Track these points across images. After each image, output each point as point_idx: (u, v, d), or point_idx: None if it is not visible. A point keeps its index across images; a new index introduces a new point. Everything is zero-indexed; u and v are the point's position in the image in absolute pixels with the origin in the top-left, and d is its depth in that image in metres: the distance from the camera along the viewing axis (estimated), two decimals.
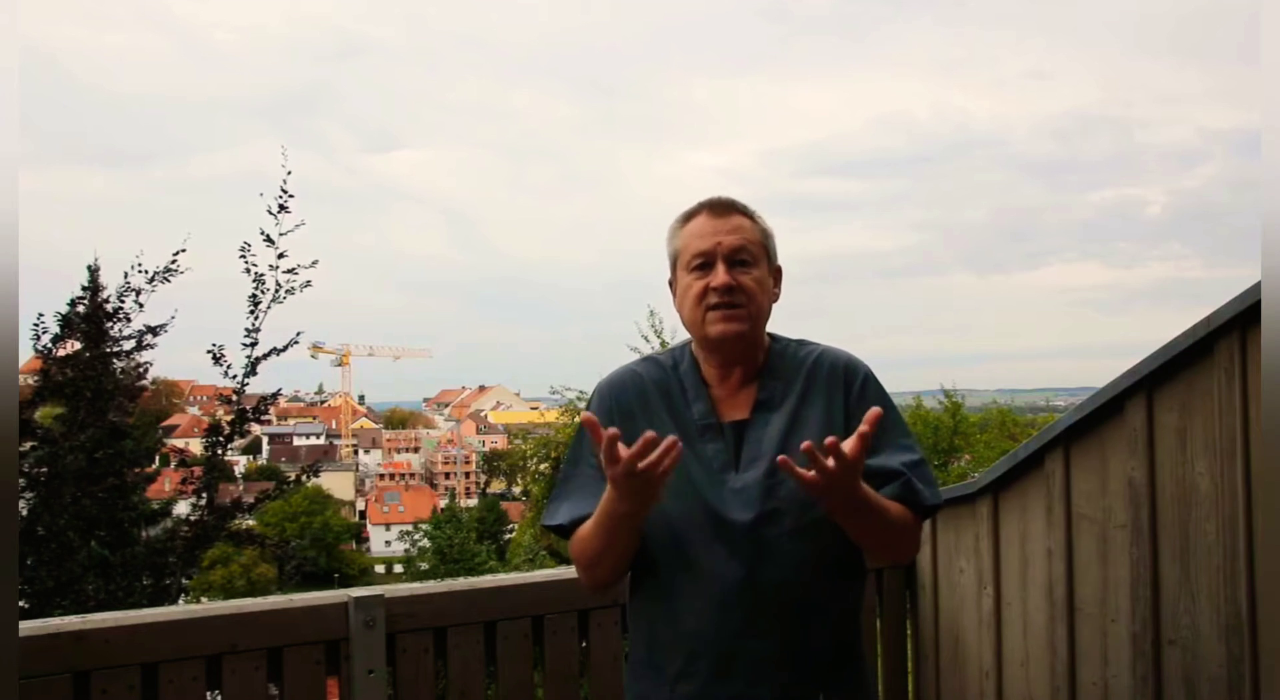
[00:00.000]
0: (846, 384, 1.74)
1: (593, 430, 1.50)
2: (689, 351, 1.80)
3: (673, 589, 1.68)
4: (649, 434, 1.46)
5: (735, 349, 1.72)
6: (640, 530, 1.64)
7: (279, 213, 6.62)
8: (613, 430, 1.46)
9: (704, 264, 1.70)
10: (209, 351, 6.45)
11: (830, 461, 1.44)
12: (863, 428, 1.46)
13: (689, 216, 1.76)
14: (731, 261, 1.69)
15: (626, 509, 1.55)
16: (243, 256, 6.53)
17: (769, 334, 1.80)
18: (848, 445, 1.45)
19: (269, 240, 6.59)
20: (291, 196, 6.69)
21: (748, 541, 1.64)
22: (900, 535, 1.68)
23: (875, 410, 1.48)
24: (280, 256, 6.60)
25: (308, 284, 6.68)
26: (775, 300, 1.77)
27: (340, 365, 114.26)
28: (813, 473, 1.45)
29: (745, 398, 1.74)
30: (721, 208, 1.74)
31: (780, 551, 1.64)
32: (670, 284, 1.80)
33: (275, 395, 7.18)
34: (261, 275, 6.55)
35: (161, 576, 6.11)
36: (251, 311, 6.53)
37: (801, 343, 1.81)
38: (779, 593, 1.64)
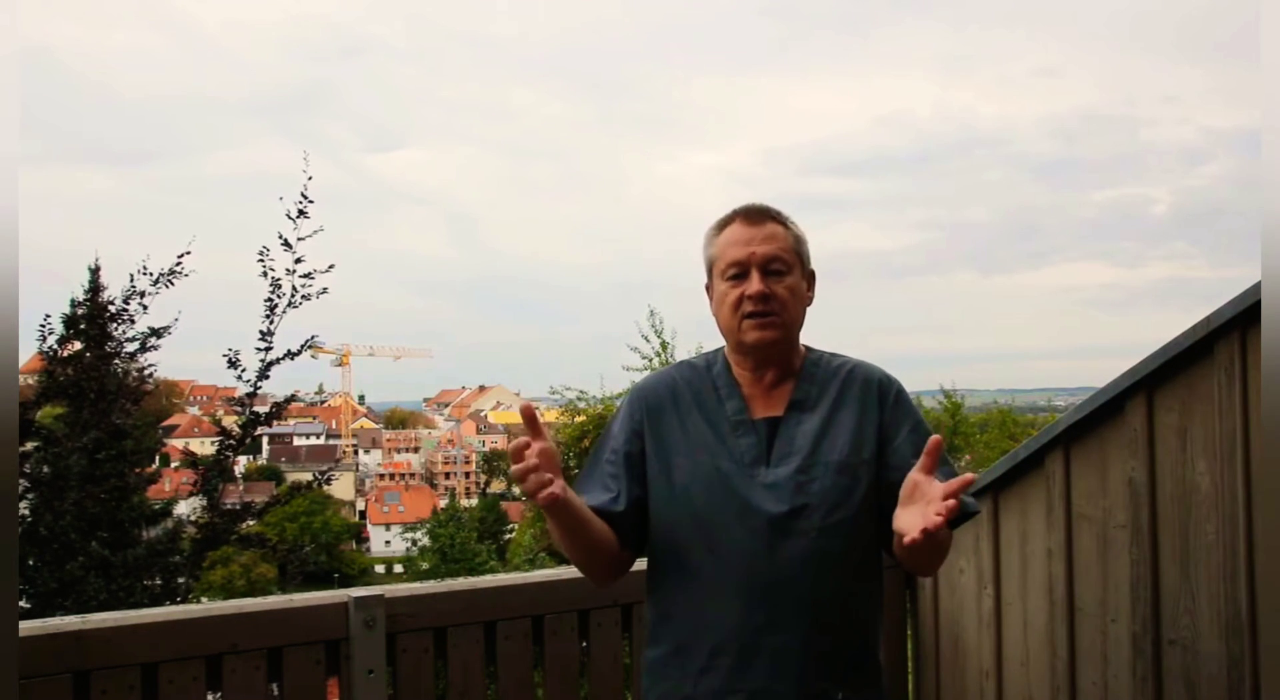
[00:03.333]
0: (881, 397, 1.80)
1: (528, 421, 1.56)
2: (722, 355, 1.86)
3: (699, 580, 1.72)
4: (521, 443, 1.51)
5: (769, 355, 1.78)
6: (581, 532, 1.68)
7: (298, 218, 6.57)
8: (522, 442, 1.52)
9: (739, 273, 1.75)
10: (224, 355, 6.40)
11: (940, 519, 1.42)
12: (929, 465, 1.52)
13: (724, 224, 1.81)
14: (766, 270, 1.74)
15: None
16: (260, 261, 6.50)
17: (804, 345, 1.85)
18: (941, 488, 1.46)
19: (287, 245, 6.55)
20: (311, 202, 6.63)
21: (776, 534, 1.68)
22: (942, 550, 1.73)
23: (936, 438, 1.53)
24: (298, 261, 6.57)
25: (324, 291, 6.63)
26: (809, 304, 1.82)
27: (340, 365, 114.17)
28: (916, 533, 1.42)
29: (778, 397, 1.79)
30: (756, 215, 1.79)
31: (807, 546, 1.68)
32: (706, 289, 1.86)
33: (290, 400, 7.16)
34: (278, 279, 6.52)
35: (170, 577, 6.11)
36: (268, 316, 6.49)
37: (835, 355, 1.87)
38: (803, 587, 1.68)
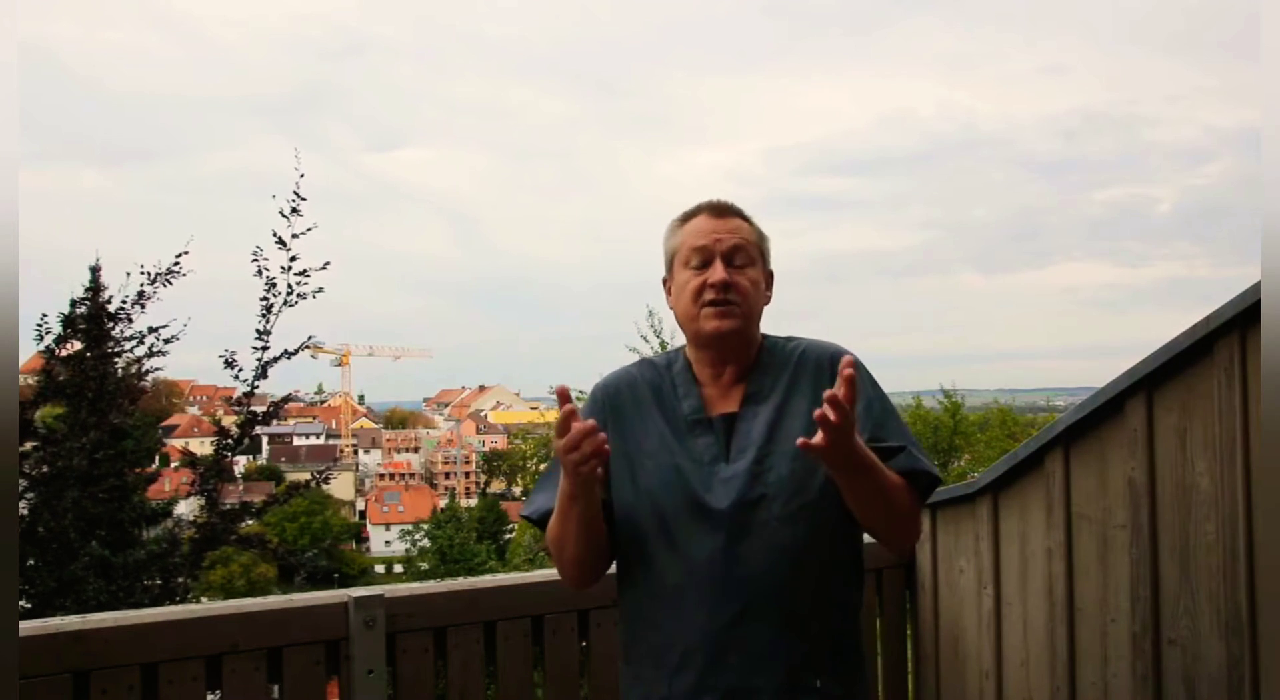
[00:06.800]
0: (834, 372, 1.73)
1: (562, 400, 1.57)
2: (683, 354, 1.86)
3: (666, 582, 1.70)
4: (588, 423, 1.55)
5: (728, 345, 1.76)
6: (595, 524, 1.69)
7: (291, 215, 6.58)
8: (569, 406, 1.54)
9: (702, 262, 1.75)
10: (221, 356, 6.40)
11: (832, 415, 1.47)
12: (846, 372, 1.49)
13: (689, 216, 1.82)
14: (729, 259, 1.74)
15: (569, 489, 1.63)
16: (255, 260, 6.49)
17: (761, 334, 1.84)
18: (837, 393, 1.49)
19: (281, 243, 6.54)
20: (304, 199, 6.65)
21: (737, 529, 1.67)
22: (899, 507, 1.69)
23: (848, 358, 1.55)
24: (293, 259, 6.57)
25: (320, 290, 6.63)
26: (767, 302, 1.82)
27: (340, 365, 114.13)
28: (818, 437, 1.48)
29: (736, 393, 1.78)
30: (720, 209, 1.81)
31: (769, 537, 1.67)
32: (664, 282, 1.85)
33: (287, 399, 7.15)
34: (273, 278, 6.51)
35: (170, 577, 6.11)
36: (264, 315, 6.49)
37: (789, 339, 1.86)
38: (771, 579, 1.66)
